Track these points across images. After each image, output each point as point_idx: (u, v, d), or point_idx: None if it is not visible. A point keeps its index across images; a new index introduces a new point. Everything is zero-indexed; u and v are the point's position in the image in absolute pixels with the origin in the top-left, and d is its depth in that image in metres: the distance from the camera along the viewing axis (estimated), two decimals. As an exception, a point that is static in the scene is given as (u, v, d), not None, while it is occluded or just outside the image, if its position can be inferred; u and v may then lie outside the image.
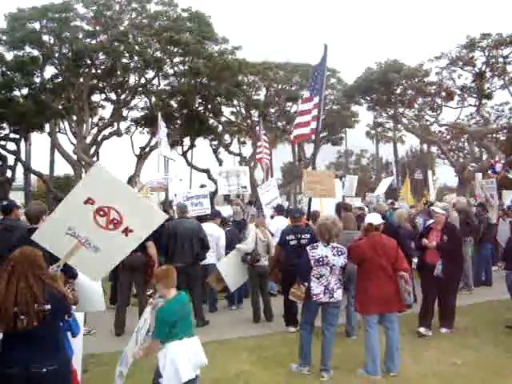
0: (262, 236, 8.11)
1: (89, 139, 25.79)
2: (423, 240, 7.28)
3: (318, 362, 5.63)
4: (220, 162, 31.02)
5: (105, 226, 4.34)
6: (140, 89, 26.05)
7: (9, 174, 27.19)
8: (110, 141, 27.42)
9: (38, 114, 23.29)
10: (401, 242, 6.57)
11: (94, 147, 26.68)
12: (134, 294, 7.96)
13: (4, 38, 22.56)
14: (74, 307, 4.07)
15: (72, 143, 26.10)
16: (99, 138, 26.65)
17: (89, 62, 23.99)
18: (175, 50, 24.50)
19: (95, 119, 28.02)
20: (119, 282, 7.61)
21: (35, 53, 23.37)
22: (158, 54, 24.75)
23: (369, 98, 30.56)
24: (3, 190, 25.18)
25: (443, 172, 36.40)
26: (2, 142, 26.17)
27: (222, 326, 7.78)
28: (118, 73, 24.60)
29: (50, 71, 24.86)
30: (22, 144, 27.92)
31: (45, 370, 3.29)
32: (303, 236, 7.37)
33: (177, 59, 25.61)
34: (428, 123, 30.01)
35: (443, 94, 27.79)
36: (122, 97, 26.03)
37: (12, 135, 26.39)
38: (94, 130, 26.86)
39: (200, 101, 27.88)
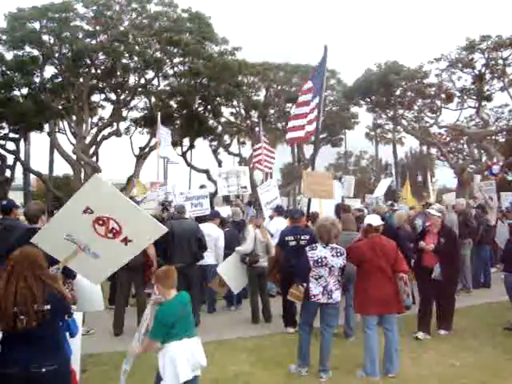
0: (261, 237, 8.11)
1: (88, 139, 25.76)
2: (420, 243, 7.29)
3: (317, 363, 5.64)
4: (219, 163, 31.01)
5: (104, 235, 4.35)
6: (140, 89, 26.02)
7: (8, 173, 27.16)
8: (110, 141, 27.42)
9: (38, 113, 23.25)
10: (400, 243, 6.58)
11: (94, 147, 26.65)
12: (133, 294, 7.96)
13: (4, 37, 22.51)
14: (73, 307, 4.07)
15: (71, 143, 26.07)
16: (99, 138, 26.62)
17: (89, 62, 23.97)
18: (175, 50, 24.48)
19: (95, 119, 27.97)
20: (118, 283, 7.61)
21: (35, 52, 23.34)
22: (158, 54, 24.73)
23: (368, 100, 30.55)
24: (2, 190, 25.16)
25: (442, 174, 36.46)
26: (2, 142, 26.14)
27: (221, 327, 7.78)
28: (118, 73, 24.58)
29: (49, 71, 24.86)
30: (22, 144, 27.88)
31: (44, 370, 3.29)
32: (302, 237, 7.38)
33: (177, 60, 25.59)
34: (427, 125, 30.00)
35: (443, 95, 27.78)
36: (122, 97, 26.01)
37: (11, 135, 26.35)
38: (94, 130, 26.81)
39: (200, 101, 27.87)
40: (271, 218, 10.46)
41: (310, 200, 9.00)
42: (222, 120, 30.72)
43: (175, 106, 27.65)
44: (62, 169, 36.30)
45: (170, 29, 23.73)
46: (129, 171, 27.13)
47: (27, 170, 28.26)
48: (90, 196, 4.33)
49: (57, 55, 23.46)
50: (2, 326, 3.28)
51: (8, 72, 23.27)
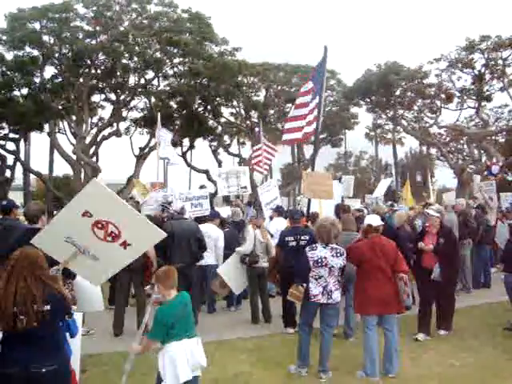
0: (261, 237, 8.11)
1: (88, 139, 25.75)
2: (419, 243, 7.28)
3: (317, 363, 5.64)
4: (219, 163, 31.00)
5: (103, 238, 4.35)
6: (140, 89, 26.01)
7: (8, 173, 27.15)
8: (110, 141, 27.38)
9: (38, 113, 23.24)
10: (400, 243, 6.57)
11: (94, 147, 26.64)
12: (133, 294, 7.96)
13: (4, 37, 22.50)
14: (74, 307, 4.08)
15: (71, 143, 26.04)
16: (98, 139, 26.60)
17: (89, 62, 23.96)
18: (175, 50, 24.48)
19: (95, 119, 27.94)
20: (118, 283, 7.60)
21: (35, 53, 23.33)
22: (158, 54, 24.73)
23: (368, 100, 30.56)
24: (2, 190, 25.14)
25: (442, 174, 36.39)
26: (2, 142, 26.12)
27: (220, 327, 7.78)
28: (118, 73, 24.57)
29: (49, 71, 24.86)
30: (22, 144, 27.89)
31: (44, 370, 3.29)
32: (302, 237, 7.39)
33: (177, 60, 25.59)
34: (427, 125, 30.01)
35: (442, 95, 27.79)
36: (122, 97, 25.99)
37: (11, 135, 26.33)
38: (94, 131, 26.79)
39: (200, 102, 27.87)
40: (271, 218, 10.46)
41: (309, 200, 9.00)
42: (222, 120, 30.71)
43: (175, 106, 27.65)
44: (62, 169, 36.33)
45: (170, 29, 23.73)
46: (129, 171, 27.14)
47: (27, 170, 28.26)
48: (88, 200, 4.32)
49: (57, 55, 23.46)
50: (1, 325, 3.28)
51: (8, 72, 23.27)
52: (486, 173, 20.08)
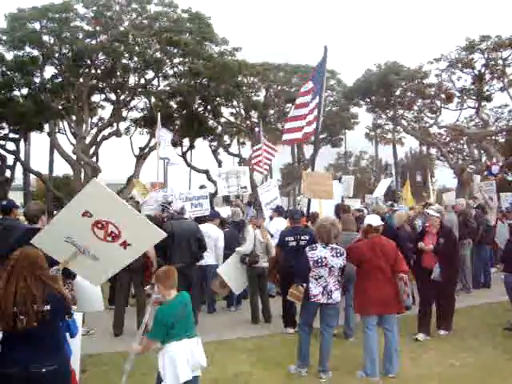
0: (261, 237, 8.11)
1: (88, 139, 25.75)
2: (419, 243, 7.28)
3: (317, 364, 5.64)
4: (219, 163, 31.00)
5: (103, 238, 4.35)
6: (140, 89, 26.01)
7: (8, 173, 27.15)
8: (110, 141, 27.38)
9: (38, 113, 23.24)
10: (400, 243, 6.57)
11: (94, 147, 26.63)
12: (133, 294, 7.96)
13: (4, 37, 22.50)
14: (74, 307, 4.08)
15: (71, 143, 26.04)
16: (98, 139, 26.60)
17: (89, 62, 23.96)
18: (175, 50, 24.48)
19: (95, 119, 27.95)
20: (118, 283, 7.60)
21: (35, 53, 23.33)
22: (158, 54, 24.73)
23: (368, 100, 30.57)
24: (2, 190, 25.14)
25: (442, 174, 36.40)
26: (2, 142, 26.13)
27: (220, 327, 7.78)
28: (118, 73, 24.57)
29: (49, 71, 24.86)
30: (22, 144, 27.90)
31: (44, 370, 3.29)
32: (302, 237, 7.39)
33: (177, 60, 25.59)
34: (427, 125, 30.01)
35: (442, 95, 27.80)
36: (122, 97, 25.99)
37: (11, 135, 26.33)
38: (94, 131, 26.80)
39: (199, 101, 27.86)
40: (271, 218, 10.46)
41: (309, 200, 9.00)
42: (222, 120, 30.72)
43: (175, 106, 27.64)
44: (62, 169, 36.33)
45: (170, 29, 23.73)
46: (129, 171, 27.14)
47: (27, 170, 28.26)
48: (88, 200, 4.32)
49: (57, 55, 23.46)
50: (1, 325, 3.28)
51: (8, 72, 23.27)
52: (485, 173, 20.08)
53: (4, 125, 25.38)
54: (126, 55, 23.79)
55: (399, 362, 5.71)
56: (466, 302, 9.02)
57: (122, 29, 23.61)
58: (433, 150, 35.42)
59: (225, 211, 11.57)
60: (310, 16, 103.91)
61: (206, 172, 29.19)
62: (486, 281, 10.75)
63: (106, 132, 26.82)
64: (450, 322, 7.27)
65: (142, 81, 26.03)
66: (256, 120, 28.20)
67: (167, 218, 9.38)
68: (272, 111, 31.30)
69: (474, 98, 27.01)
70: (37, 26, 22.73)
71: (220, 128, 30.88)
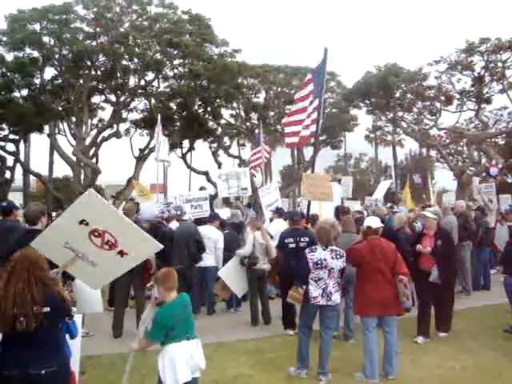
0: (261, 239, 8.11)
1: (88, 141, 25.76)
2: (417, 246, 7.27)
3: (317, 365, 5.63)
4: (219, 165, 31.03)
5: (100, 246, 4.36)
6: (140, 91, 26.03)
7: (8, 174, 27.17)
8: (110, 142, 27.37)
9: (38, 115, 23.27)
10: (400, 246, 6.57)
11: (94, 149, 26.64)
12: (132, 296, 7.95)
13: (4, 39, 22.52)
14: (74, 309, 4.08)
15: (71, 144, 26.06)
16: (98, 140, 26.61)
17: (89, 63, 23.97)
18: (175, 52, 24.50)
19: (95, 121, 27.99)
20: (117, 285, 7.59)
21: (35, 54, 23.35)
22: (158, 56, 24.74)
23: (368, 102, 30.59)
24: (2, 191, 25.16)
25: (442, 176, 36.38)
26: (2, 143, 26.16)
27: (220, 329, 7.77)
28: (118, 75, 24.58)
29: (49, 72, 24.88)
30: (22, 145, 27.92)
31: (44, 371, 3.29)
32: (302, 239, 7.38)
33: (177, 61, 25.61)
34: (427, 127, 30.04)
35: (442, 98, 27.83)
36: (122, 99, 26.00)
37: (11, 136, 26.38)
38: (94, 132, 26.83)
39: (199, 103, 27.88)
40: (271, 220, 10.46)
41: (309, 202, 9.00)
42: (222, 122, 30.74)
43: (175, 107, 27.66)
44: (62, 170, 36.34)
45: (170, 30, 23.76)
46: (129, 173, 27.13)
47: (27, 171, 28.27)
48: (84, 209, 4.32)
49: (57, 57, 23.47)
50: (1, 327, 3.27)
51: (8, 73, 23.30)
52: (484, 174, 20.09)
53: (4, 126, 25.42)
54: (126, 56, 23.80)
55: (399, 364, 5.71)
56: (466, 304, 9.02)
57: (122, 30, 23.63)
58: (432, 152, 35.46)
59: (224, 213, 11.57)
60: (310, 18, 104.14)
61: (206, 173, 29.21)
62: (486, 283, 10.75)
63: (105, 133, 26.86)
64: (449, 323, 7.27)
65: (142, 82, 26.04)
66: (256, 122, 28.25)
67: (167, 218, 9.38)
68: (272, 113, 31.34)
69: (473, 100, 27.04)
70: (37, 27, 22.75)
71: (220, 129, 30.90)
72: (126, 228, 4.38)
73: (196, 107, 27.89)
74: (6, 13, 23.18)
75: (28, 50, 23.03)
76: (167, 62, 25.32)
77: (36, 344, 3.32)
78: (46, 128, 26.45)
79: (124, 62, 24.13)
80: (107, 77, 24.58)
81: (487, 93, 26.51)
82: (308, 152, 31.48)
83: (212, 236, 8.86)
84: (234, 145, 34.04)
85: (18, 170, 28.67)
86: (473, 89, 26.55)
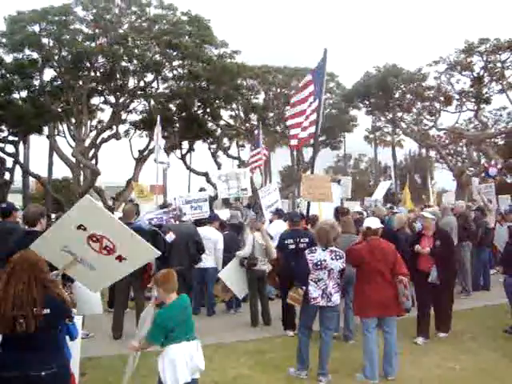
0: (261, 240, 8.11)
1: (87, 142, 25.77)
2: (416, 246, 7.26)
3: (316, 366, 5.63)
4: (218, 166, 31.04)
5: (98, 251, 4.35)
6: (139, 92, 26.05)
7: (7, 176, 27.15)
8: (109, 144, 27.38)
9: (37, 116, 23.27)
10: (399, 246, 6.57)
11: (93, 150, 26.64)
12: (132, 297, 7.95)
13: (3, 40, 22.55)
14: (74, 310, 4.07)
15: (71, 146, 26.07)
16: (98, 141, 26.61)
17: (88, 64, 23.98)
18: (174, 53, 24.51)
19: (94, 122, 27.97)
20: (117, 286, 7.57)
21: (34, 55, 23.36)
22: (158, 57, 24.76)
23: (367, 102, 30.64)
24: (1, 193, 25.15)
25: (442, 176, 36.45)
26: (1, 145, 26.15)
27: (220, 330, 7.77)
28: (117, 76, 24.60)
29: (49, 74, 24.90)
30: (21, 146, 27.90)
31: (44, 373, 3.28)
32: (302, 240, 7.38)
33: (176, 63, 25.62)
34: (426, 127, 30.09)
35: (442, 98, 27.87)
36: (121, 100, 26.01)
37: (11, 137, 26.37)
38: (93, 133, 26.84)
39: (199, 104, 27.88)
40: (271, 221, 10.46)
41: (309, 203, 9.00)
42: (221, 123, 30.75)
43: (174, 108, 27.66)
44: (61, 172, 36.23)
45: (170, 32, 23.77)
46: (128, 174, 27.15)
47: (26, 172, 28.25)
48: (82, 215, 4.32)
49: (56, 58, 23.47)
50: (1, 329, 3.27)
51: (7, 75, 23.31)
52: (483, 174, 20.09)
53: (3, 127, 25.42)
54: (126, 58, 23.80)
55: (399, 365, 5.71)
56: (466, 305, 9.02)
57: (121, 31, 23.64)
58: (432, 153, 35.52)
59: (224, 214, 11.57)
60: (309, 19, 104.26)
61: (206, 175, 29.22)
62: (486, 283, 10.74)
63: (105, 135, 26.85)
64: (449, 324, 7.27)
65: (142, 83, 26.06)
66: (255, 122, 28.28)
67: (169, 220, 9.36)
68: (271, 114, 31.36)
69: (472, 100, 27.08)
70: (36, 28, 22.75)
71: (219, 131, 30.91)
72: (123, 234, 4.38)
73: (195, 108, 27.90)
74: (5, 14, 23.24)
75: (27, 52, 23.06)
76: (166, 64, 25.33)
77: (36, 346, 3.31)
78: (46, 129, 26.46)
79: (123, 64, 24.14)
80: (106, 78, 24.58)
81: (486, 93, 26.56)
82: (307, 153, 31.55)
83: (212, 237, 8.86)
84: (233, 146, 34.13)
85: (18, 171, 28.66)
86: (472, 89, 26.59)
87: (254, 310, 8.10)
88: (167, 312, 4.06)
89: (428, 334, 7.01)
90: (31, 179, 30.49)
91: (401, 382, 5.52)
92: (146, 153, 27.02)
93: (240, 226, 10.24)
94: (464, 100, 27.38)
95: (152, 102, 26.95)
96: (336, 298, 5.63)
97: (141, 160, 27.08)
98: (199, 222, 9.69)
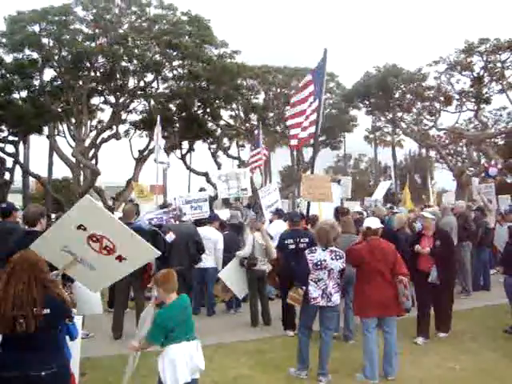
0: (261, 240, 8.11)
1: (87, 142, 25.78)
2: (416, 246, 7.26)
3: (317, 366, 5.63)
4: (219, 166, 31.05)
5: (98, 251, 4.35)
6: (139, 92, 26.05)
7: (7, 176, 27.15)
8: (109, 144, 27.38)
9: (37, 116, 23.27)
10: (399, 246, 6.57)
11: (93, 150, 26.64)
12: (132, 297, 7.95)
13: (3, 40, 22.55)
14: (74, 310, 4.07)
15: (71, 146, 26.07)
16: (98, 141, 26.61)
17: (88, 64, 23.98)
18: (174, 53, 24.52)
19: (94, 122, 27.98)
20: (117, 286, 7.57)
21: (34, 55, 23.36)
22: (158, 57, 24.76)
23: (367, 102, 30.63)
24: (1, 193, 25.15)
25: (442, 176, 36.46)
26: (1, 145, 26.15)
27: (220, 330, 7.77)
28: (117, 76, 24.60)
29: (49, 74, 24.90)
30: (21, 146, 27.90)
31: (44, 373, 3.28)
32: (302, 240, 7.38)
33: (176, 62, 25.62)
34: (426, 127, 30.08)
35: (442, 98, 27.86)
36: (121, 100, 26.01)
37: (11, 137, 26.38)
38: (93, 133, 26.84)
39: (199, 104, 27.88)
40: (271, 221, 10.46)
41: (309, 203, 9.00)
42: (221, 123, 30.75)
43: (174, 108, 27.66)
44: (61, 172, 36.27)
45: (170, 32, 23.77)
46: (128, 174, 27.15)
47: (26, 172, 28.25)
48: (82, 215, 4.31)
49: (56, 58, 23.47)
50: (1, 329, 3.27)
51: (7, 75, 23.31)
52: (483, 174, 20.08)
53: (3, 127, 25.42)
54: (126, 58, 23.81)
55: (399, 365, 5.71)
56: (466, 305, 9.02)
57: (121, 31, 23.65)
58: (432, 153, 35.51)
59: (224, 214, 11.57)
60: (309, 19, 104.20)
61: (206, 175, 29.22)
62: (486, 283, 10.74)
63: (105, 135, 26.85)
64: (449, 324, 7.27)
65: (142, 83, 26.06)
66: (255, 123, 28.28)
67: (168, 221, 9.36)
68: (271, 114, 31.36)
69: (472, 100, 27.07)
70: (36, 28, 22.75)
71: (219, 131, 30.91)
72: (123, 234, 4.37)
73: (195, 108, 27.90)
74: (5, 14, 23.26)
75: (27, 52, 23.06)
76: (166, 64, 25.33)
77: (36, 346, 3.31)
78: (46, 129, 26.46)
79: (123, 64, 24.14)
80: (106, 78, 24.59)
81: (486, 93, 26.55)
82: (307, 153, 31.55)
83: (212, 237, 8.87)
84: (233, 146, 34.12)
85: (18, 171, 28.67)
86: (472, 89, 26.59)
87: (254, 310, 8.10)
88: (167, 312, 4.06)
89: (428, 334, 7.01)
90: (31, 179, 30.50)
91: (401, 382, 5.52)
92: (145, 153, 27.02)
93: (240, 226, 10.24)
94: (464, 100, 27.37)
95: (152, 102, 26.96)
96: (336, 298, 5.63)
97: (141, 160, 27.09)
98: (199, 222, 9.69)
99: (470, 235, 10.06)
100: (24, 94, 24.22)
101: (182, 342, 4.03)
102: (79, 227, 4.24)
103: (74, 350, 4.26)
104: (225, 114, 30.56)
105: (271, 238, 8.66)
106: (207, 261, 8.71)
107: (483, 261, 10.90)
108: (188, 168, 31.23)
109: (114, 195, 25.74)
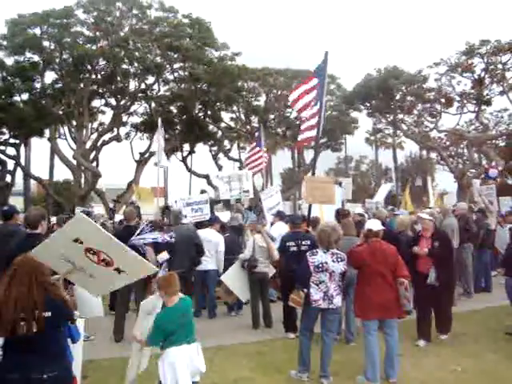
0: (261, 242, 8.10)
1: (88, 144, 25.84)
2: (414, 248, 7.25)
3: (318, 369, 5.62)
4: (219, 168, 31.06)
5: (97, 262, 4.34)
6: (140, 94, 26.12)
7: (8, 179, 27.18)
8: (110, 146, 27.51)
9: (38, 119, 23.33)
10: (401, 248, 6.56)
11: (94, 152, 26.70)
12: (134, 299, 7.94)
13: (4, 43, 22.63)
14: (76, 313, 4.07)
15: (72, 148, 26.11)
16: (99, 144, 26.68)
17: (89, 67, 24.07)
18: (175, 55, 24.59)
19: (95, 124, 28.06)
20: (118, 289, 7.57)
21: (35, 58, 23.45)
22: (158, 59, 24.82)
23: (368, 104, 30.62)
24: (3, 195, 25.18)
25: (442, 178, 36.41)
26: (2, 147, 26.20)
27: (221, 332, 7.77)
28: (118, 78, 24.67)
29: (50, 77, 24.99)
30: (22, 149, 27.93)
31: (46, 376, 3.28)
32: (303, 242, 7.37)
33: (177, 65, 25.69)
34: (427, 129, 30.07)
35: (442, 100, 27.86)
36: (122, 102, 26.08)
37: (12, 140, 26.42)
38: (94, 136, 26.90)
39: (200, 106, 27.94)
40: (272, 223, 10.45)
41: (310, 205, 9.00)
42: (222, 125, 30.78)
43: (175, 111, 27.72)
44: (63, 174, 36.26)
45: (171, 34, 23.83)
46: (129, 176, 27.20)
47: (27, 175, 28.29)
48: (76, 229, 4.29)
49: (57, 61, 23.55)
50: (2, 331, 3.27)
51: (8, 77, 23.39)
52: (483, 175, 20.07)
53: (4, 130, 25.47)
54: (127, 60, 23.89)
55: (400, 367, 5.70)
56: (467, 307, 9.00)
57: (122, 34, 23.72)
58: (433, 155, 35.46)
59: (225, 216, 11.57)
60: (310, 21, 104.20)
61: (207, 177, 29.23)
62: (487, 285, 10.73)
63: (106, 137, 26.94)
64: (449, 325, 7.24)
65: (143, 86, 26.13)
66: (256, 125, 28.27)
67: (167, 224, 9.36)
68: (272, 116, 31.35)
69: (473, 102, 27.07)
70: (37, 31, 22.84)
71: (220, 133, 30.93)
72: (119, 251, 4.36)
73: (196, 111, 27.95)
74: (6, 17, 23.35)
75: (28, 55, 23.18)
76: (167, 66, 25.40)
77: (37, 348, 3.31)
78: (47, 132, 26.49)
79: (124, 66, 24.23)
80: (107, 81, 24.66)
81: (487, 95, 26.56)
82: (308, 155, 31.53)
83: (213, 239, 8.87)
84: (234, 148, 34.10)
85: (19, 174, 28.73)
86: (473, 91, 26.59)
87: (255, 312, 8.10)
88: (167, 315, 4.06)
89: (429, 335, 7.00)
90: (32, 182, 30.53)
91: (402, 384, 5.51)
92: (146, 155, 27.06)
93: (240, 229, 10.24)
94: (465, 102, 27.37)
95: (153, 105, 27.03)
96: (337, 301, 5.63)
97: (142, 162, 27.13)
98: (200, 225, 9.69)
99: (471, 237, 10.05)
100: (25, 96, 24.29)
101: (182, 344, 4.03)
102: (75, 240, 4.22)
103: (75, 352, 4.26)
104: (226, 117, 30.63)
105: (273, 239, 8.65)
106: (208, 263, 8.72)
107: (484, 262, 10.88)
108: (189, 170, 31.25)
109: (115, 197, 25.77)
